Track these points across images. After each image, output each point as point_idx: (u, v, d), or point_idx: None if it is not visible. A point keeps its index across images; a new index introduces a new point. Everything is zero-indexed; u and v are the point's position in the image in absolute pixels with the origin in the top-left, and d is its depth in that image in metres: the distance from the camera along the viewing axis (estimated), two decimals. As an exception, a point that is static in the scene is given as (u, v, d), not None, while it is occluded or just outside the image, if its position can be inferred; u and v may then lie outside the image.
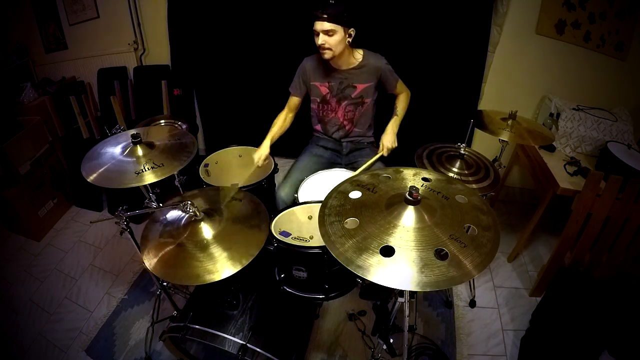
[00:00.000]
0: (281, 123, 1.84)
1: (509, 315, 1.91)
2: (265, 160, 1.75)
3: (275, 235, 1.29)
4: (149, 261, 1.10)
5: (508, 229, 2.45)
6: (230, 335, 1.25)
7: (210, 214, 1.22)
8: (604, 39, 2.03)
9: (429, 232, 0.90)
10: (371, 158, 1.79)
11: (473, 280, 2.00)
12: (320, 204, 1.05)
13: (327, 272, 1.29)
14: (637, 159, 1.75)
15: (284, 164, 2.19)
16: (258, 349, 1.23)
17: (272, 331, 1.34)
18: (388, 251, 0.86)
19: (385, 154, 1.75)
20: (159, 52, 2.60)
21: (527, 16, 2.01)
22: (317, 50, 1.64)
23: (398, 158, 1.75)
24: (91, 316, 1.91)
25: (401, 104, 1.85)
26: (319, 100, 1.82)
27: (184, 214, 1.21)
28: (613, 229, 1.69)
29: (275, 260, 1.39)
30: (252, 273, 1.24)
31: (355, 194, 1.06)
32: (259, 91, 2.50)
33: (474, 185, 1.55)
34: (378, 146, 1.80)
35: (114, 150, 1.33)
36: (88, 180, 1.20)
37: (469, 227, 0.93)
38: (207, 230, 1.16)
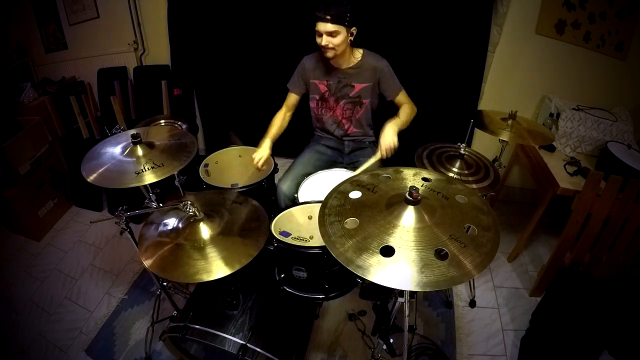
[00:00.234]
0: (279, 122, 1.83)
1: (509, 315, 1.91)
2: (265, 163, 1.72)
3: (275, 235, 1.29)
4: (147, 260, 1.10)
5: (508, 229, 2.45)
6: (230, 335, 1.25)
7: (209, 215, 1.22)
8: (604, 39, 2.03)
9: (429, 232, 0.90)
10: (372, 158, 1.80)
11: (473, 280, 2.00)
12: (320, 204, 1.05)
13: (327, 272, 1.29)
14: (637, 159, 1.75)
15: (283, 164, 2.19)
16: (258, 349, 1.23)
17: (272, 331, 1.34)
18: (388, 251, 0.86)
19: (384, 155, 1.60)
20: (159, 52, 2.60)
21: (527, 16, 2.01)
22: (317, 49, 1.65)
23: (398, 158, 1.75)
24: (91, 316, 1.91)
25: (404, 112, 1.72)
26: (317, 98, 1.82)
27: (183, 214, 1.20)
28: (613, 229, 1.69)
29: (275, 260, 1.39)
30: (252, 273, 1.25)
31: (355, 194, 1.06)
32: (259, 91, 2.50)
33: (474, 185, 1.55)
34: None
35: (114, 150, 1.33)
36: (88, 180, 1.20)
37: (469, 227, 0.93)
38: (206, 231, 1.16)
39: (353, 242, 0.89)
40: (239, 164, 1.88)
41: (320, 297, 1.36)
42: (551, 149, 2.00)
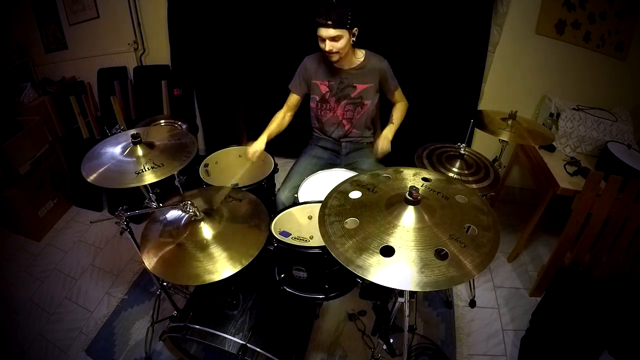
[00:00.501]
0: (279, 121, 1.82)
1: (509, 315, 1.91)
2: (259, 157, 1.73)
3: (275, 235, 1.29)
4: (149, 261, 1.10)
5: (508, 229, 2.45)
6: (230, 335, 1.25)
7: (210, 214, 1.22)
8: (604, 39, 2.03)
9: (429, 232, 0.90)
10: (370, 158, 1.81)
11: (473, 280, 2.00)
12: (320, 204, 1.05)
13: (327, 272, 1.29)
14: (637, 159, 1.75)
15: (284, 164, 2.19)
16: (258, 349, 1.23)
17: (272, 331, 1.34)
18: (388, 251, 0.86)
19: (379, 157, 1.75)
20: (159, 52, 2.60)
21: (527, 16, 2.01)
22: (318, 49, 1.64)
23: (398, 158, 1.75)
24: (91, 316, 1.91)
25: (397, 113, 1.80)
26: (318, 98, 1.82)
27: (183, 214, 1.21)
28: (613, 229, 1.69)
29: (275, 260, 1.39)
30: (252, 273, 1.25)
31: (355, 194, 1.06)
32: (259, 91, 2.50)
33: (474, 185, 1.55)
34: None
35: (114, 150, 1.33)
36: (88, 180, 1.20)
37: (469, 227, 0.93)
38: (207, 230, 1.16)
39: (353, 242, 0.89)
40: (239, 164, 1.88)
41: (320, 297, 1.36)
42: (551, 149, 2.00)
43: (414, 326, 1.74)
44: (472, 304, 1.95)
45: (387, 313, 1.28)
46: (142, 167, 1.24)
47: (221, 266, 1.06)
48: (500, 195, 2.64)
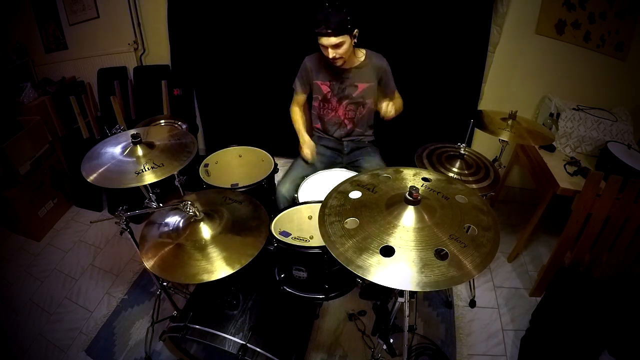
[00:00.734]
0: (301, 114, 1.88)
1: (509, 315, 1.91)
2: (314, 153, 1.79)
3: (275, 235, 1.29)
4: (148, 261, 1.10)
5: (508, 229, 2.45)
6: (230, 335, 1.25)
7: (210, 215, 1.22)
8: (604, 39, 2.03)
9: (429, 232, 0.90)
10: (372, 157, 1.80)
11: (473, 280, 2.00)
12: (320, 204, 1.05)
13: (327, 272, 1.29)
14: (637, 159, 1.75)
15: (284, 164, 2.19)
16: (258, 349, 1.23)
17: (272, 331, 1.34)
18: (388, 251, 0.86)
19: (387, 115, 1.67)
20: (159, 52, 2.60)
21: (527, 16, 2.01)
22: (318, 48, 1.64)
23: (398, 158, 1.75)
24: (91, 316, 1.91)
25: (397, 102, 1.79)
26: (320, 98, 1.82)
27: (183, 214, 1.21)
28: (613, 229, 1.69)
29: (275, 260, 1.39)
30: (252, 273, 1.25)
31: (355, 194, 1.06)
32: (259, 91, 2.49)
33: (474, 185, 1.55)
34: (378, 145, 1.80)
35: (114, 150, 1.32)
36: (88, 180, 1.20)
37: (469, 227, 0.93)
38: (206, 231, 1.16)
39: (353, 242, 0.89)
40: (239, 164, 1.88)
41: (320, 297, 1.36)
42: (551, 149, 2.00)
43: (414, 326, 1.74)
44: (472, 304, 1.95)
45: (387, 313, 1.28)
46: (142, 167, 1.23)
47: (220, 266, 1.06)
48: (500, 195, 2.64)
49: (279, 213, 1.42)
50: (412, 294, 1.15)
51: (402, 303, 1.08)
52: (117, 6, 2.45)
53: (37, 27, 2.69)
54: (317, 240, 1.30)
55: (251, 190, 1.60)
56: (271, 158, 1.80)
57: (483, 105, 2.31)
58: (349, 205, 1.02)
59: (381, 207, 0.99)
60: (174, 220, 1.24)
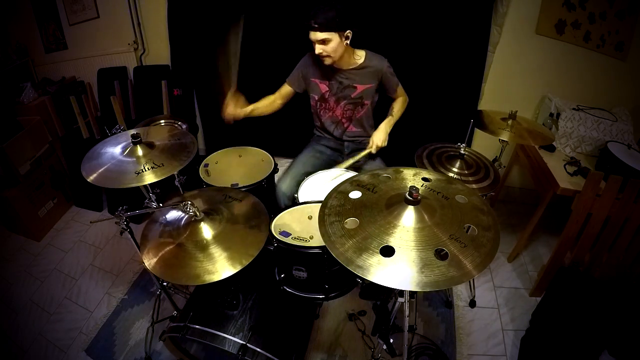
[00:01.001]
0: (269, 102, 1.81)
1: (509, 315, 1.91)
2: (230, 116, 1.67)
3: (275, 235, 1.29)
4: (149, 261, 1.10)
5: (508, 229, 2.45)
6: (230, 335, 1.25)
7: (210, 214, 1.22)
8: (604, 39, 2.03)
9: (429, 232, 0.90)
10: (372, 158, 1.80)
11: (473, 280, 2.00)
12: (320, 204, 1.05)
13: (327, 272, 1.29)
14: (637, 159, 1.75)
15: (284, 164, 2.19)
16: (258, 349, 1.23)
17: (272, 331, 1.34)
18: (388, 251, 0.86)
19: (373, 151, 1.71)
20: (159, 52, 2.60)
21: (527, 16, 2.01)
22: None
23: (398, 158, 1.75)
24: (91, 316, 1.91)
25: (397, 106, 1.83)
26: (317, 97, 1.82)
27: (183, 214, 1.21)
28: (613, 229, 1.69)
29: (275, 260, 1.39)
30: (252, 273, 1.24)
31: (355, 194, 1.06)
32: (259, 91, 2.49)
33: (474, 185, 1.55)
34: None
35: (114, 150, 1.33)
36: (88, 180, 1.20)
37: (469, 227, 0.93)
38: (207, 231, 1.16)
39: (353, 242, 0.89)
40: (239, 164, 1.88)
41: (320, 297, 1.36)
42: (551, 149, 2.00)
43: (414, 326, 1.74)
44: (472, 304, 1.95)
45: (387, 313, 1.28)
46: (142, 167, 1.24)
47: (221, 266, 1.06)
48: (500, 195, 2.64)
49: (279, 213, 1.42)
50: (412, 294, 1.15)
51: (402, 303, 1.08)
52: (117, 6, 2.45)
53: (37, 27, 2.69)
54: (317, 240, 1.30)
55: (251, 190, 1.60)
56: (271, 158, 1.80)
57: (483, 105, 2.31)
58: (349, 205, 1.02)
59: (381, 207, 0.99)
60: (174, 220, 1.24)
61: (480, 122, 1.69)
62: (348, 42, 1.60)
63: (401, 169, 1.15)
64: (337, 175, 1.68)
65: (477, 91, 2.25)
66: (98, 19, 2.56)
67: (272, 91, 1.90)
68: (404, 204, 0.96)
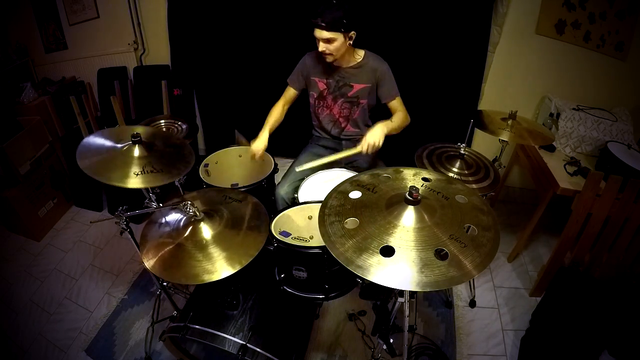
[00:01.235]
0: (277, 115, 1.81)
1: (509, 315, 1.91)
2: (262, 157, 1.72)
3: (275, 235, 1.29)
4: (149, 261, 1.10)
5: (508, 229, 2.45)
6: (230, 335, 1.25)
7: (210, 215, 1.22)
8: (604, 39, 2.03)
9: (429, 232, 0.90)
10: (370, 157, 1.79)
11: (473, 280, 2.00)
12: (320, 204, 1.05)
13: (327, 272, 1.29)
14: (637, 159, 1.75)
15: (284, 164, 2.19)
16: (258, 349, 1.23)
17: (272, 331, 1.34)
18: (388, 251, 0.86)
19: (364, 151, 1.53)
20: (159, 52, 2.60)
21: (527, 16, 2.01)
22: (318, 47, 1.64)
23: (398, 158, 1.75)
24: (91, 316, 1.91)
25: (396, 118, 1.68)
26: (315, 95, 1.82)
27: (183, 214, 1.20)
28: (613, 229, 1.69)
29: (275, 260, 1.39)
30: (252, 273, 1.25)
31: (355, 194, 1.06)
32: (259, 91, 2.50)
33: (474, 185, 1.55)
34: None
35: (113, 144, 1.31)
36: (79, 165, 1.18)
37: (469, 227, 0.93)
38: (206, 231, 1.16)
39: (353, 242, 0.89)
40: (239, 164, 1.88)
41: (320, 297, 1.36)
42: (551, 149, 2.00)
43: (414, 326, 1.74)
44: (472, 304, 1.95)
45: (387, 313, 1.28)
46: (141, 170, 1.23)
47: (220, 266, 1.06)
48: (500, 195, 2.64)
49: (279, 213, 1.42)
50: (412, 294, 1.15)
51: (402, 303, 1.08)
52: (117, 6, 2.46)
53: (37, 27, 2.69)
54: (317, 240, 1.30)
55: (251, 190, 1.60)
56: (271, 158, 1.80)
57: (483, 105, 2.31)
58: (349, 205, 1.02)
59: (381, 207, 0.99)
60: (174, 220, 1.23)
61: (480, 122, 1.69)
62: (351, 42, 1.61)
63: (401, 169, 1.15)
64: (336, 177, 1.68)
65: (477, 91, 2.25)
66: (98, 19, 2.56)
67: (272, 90, 1.90)
68: (404, 204, 0.96)
